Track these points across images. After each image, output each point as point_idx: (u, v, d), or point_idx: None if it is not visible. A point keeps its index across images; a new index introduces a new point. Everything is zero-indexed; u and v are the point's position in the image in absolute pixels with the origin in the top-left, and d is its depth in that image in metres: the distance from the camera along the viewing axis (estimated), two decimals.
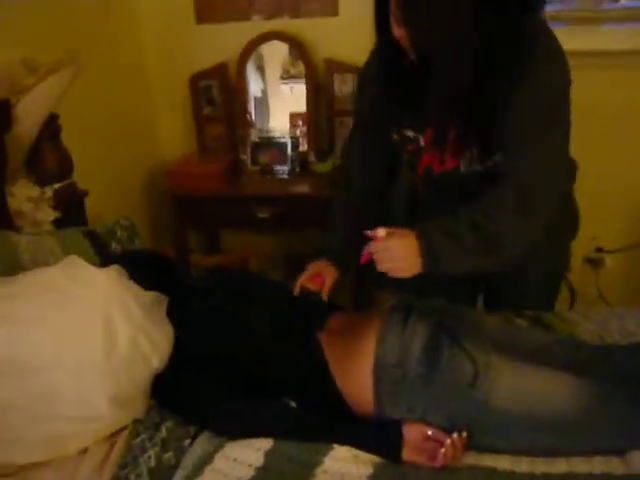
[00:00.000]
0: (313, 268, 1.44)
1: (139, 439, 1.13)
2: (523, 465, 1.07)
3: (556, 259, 1.51)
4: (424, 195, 1.45)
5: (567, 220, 1.44)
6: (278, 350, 1.26)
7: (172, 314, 1.31)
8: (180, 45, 2.45)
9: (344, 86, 2.36)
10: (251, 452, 1.07)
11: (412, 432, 1.10)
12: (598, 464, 1.06)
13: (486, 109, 1.14)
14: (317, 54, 2.34)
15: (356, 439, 1.10)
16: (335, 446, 1.09)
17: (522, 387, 1.12)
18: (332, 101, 2.39)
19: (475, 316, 1.34)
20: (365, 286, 2.42)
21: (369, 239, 1.17)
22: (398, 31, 1.10)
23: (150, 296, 1.26)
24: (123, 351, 1.09)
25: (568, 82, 1.14)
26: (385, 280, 1.20)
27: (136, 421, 1.15)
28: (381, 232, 1.15)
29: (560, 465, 1.07)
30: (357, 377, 1.18)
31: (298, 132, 2.47)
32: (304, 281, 1.42)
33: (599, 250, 2.44)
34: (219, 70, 2.41)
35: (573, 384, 1.13)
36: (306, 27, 2.33)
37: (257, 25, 2.35)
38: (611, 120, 2.16)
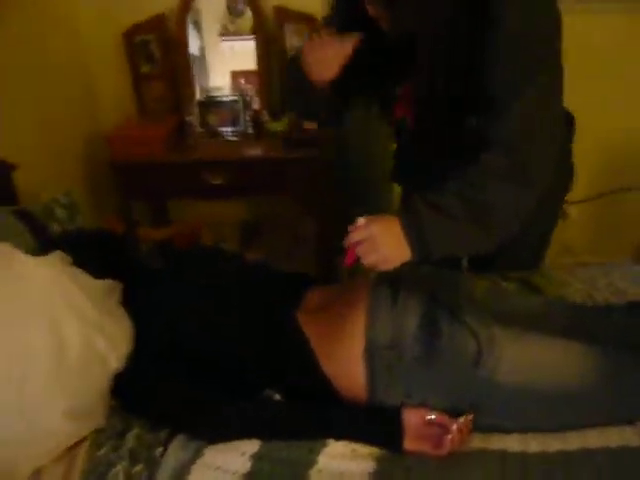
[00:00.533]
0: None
1: (102, 451, 0.97)
2: (533, 444, 0.98)
3: (550, 218, 1.41)
4: (403, 151, 1.32)
5: (564, 177, 1.34)
6: (252, 335, 1.12)
7: (127, 302, 1.14)
8: None
9: (296, 38, 2.17)
10: (235, 457, 0.94)
11: (412, 418, 0.99)
12: (613, 436, 0.99)
13: (461, 54, 0.99)
14: (266, 1, 2.13)
15: (351, 430, 0.99)
16: (329, 442, 0.97)
17: (528, 360, 1.03)
18: (284, 55, 2.19)
19: (467, 282, 1.23)
20: (328, 251, 2.30)
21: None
22: (374, 10, 0.96)
23: (101, 285, 1.09)
24: (75, 355, 0.92)
25: (557, 22, 0.98)
26: None
27: (97, 430, 1.00)
28: (361, 220, 1.02)
29: (573, 441, 0.99)
30: (346, 362, 1.05)
31: (249, 90, 2.27)
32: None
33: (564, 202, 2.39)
34: (156, 23, 2.16)
35: (580, 352, 1.05)
36: None
37: None
38: (580, 68, 2.08)
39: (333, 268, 2.32)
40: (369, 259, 1.00)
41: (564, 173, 1.34)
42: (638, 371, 1.04)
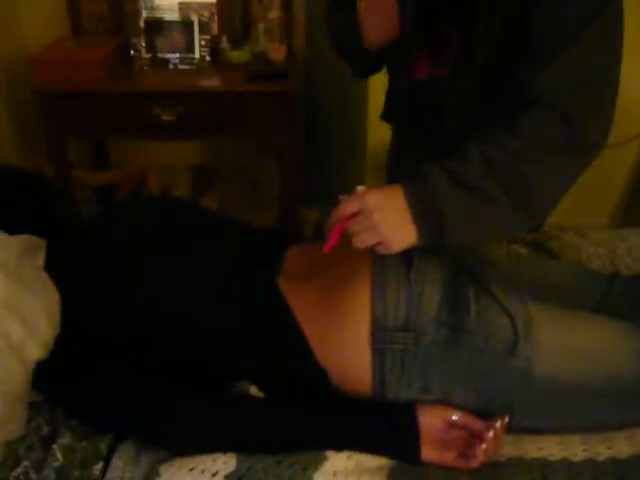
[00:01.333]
0: None
1: (19, 470, 0.71)
2: (577, 450, 0.80)
3: None
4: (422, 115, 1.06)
5: None
6: (222, 309, 0.86)
7: (52, 266, 0.86)
8: None
9: None
10: (205, 479, 0.70)
11: (431, 419, 0.78)
12: None
13: None
14: None
15: (354, 437, 0.77)
16: (328, 454, 0.74)
17: (571, 346, 0.83)
18: None
19: (489, 247, 1.02)
20: (294, 201, 2.05)
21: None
22: None
23: (17, 244, 0.80)
24: None
25: None
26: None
27: (12, 441, 0.73)
28: (359, 189, 0.77)
29: (621, 444, 0.81)
30: (346, 347, 0.82)
31: (204, 12, 1.93)
32: None
33: None
34: None
35: (624, 333, 0.86)
36: None
37: None
38: None
39: (298, 221, 2.08)
40: (363, 239, 0.75)
41: None
42: None
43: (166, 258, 0.90)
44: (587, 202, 2.52)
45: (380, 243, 0.75)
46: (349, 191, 0.79)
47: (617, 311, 0.94)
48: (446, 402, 0.80)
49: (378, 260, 0.87)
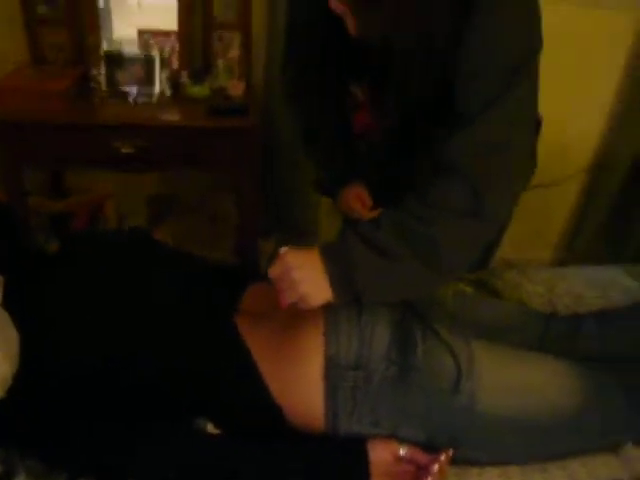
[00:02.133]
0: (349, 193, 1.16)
1: None
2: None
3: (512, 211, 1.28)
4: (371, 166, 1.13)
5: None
6: (179, 347, 0.89)
7: (9, 302, 0.86)
8: None
9: None
10: None
11: (381, 453, 0.82)
12: (599, 469, 0.88)
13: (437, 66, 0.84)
14: None
15: (308, 473, 0.80)
16: None
17: (512, 382, 0.89)
18: (209, 8, 1.93)
19: None
20: (252, 233, 2.08)
21: None
22: (337, 5, 0.77)
23: None
24: None
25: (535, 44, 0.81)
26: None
27: None
28: (282, 250, 0.83)
29: (557, 474, 0.87)
30: (300, 385, 0.86)
31: (166, 47, 1.97)
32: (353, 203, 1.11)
33: None
34: None
35: (563, 371, 0.94)
36: None
37: None
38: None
39: (255, 255, 2.11)
40: (285, 296, 0.81)
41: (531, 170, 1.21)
42: (620, 388, 0.94)
43: (123, 297, 0.92)
44: (531, 236, 2.65)
45: (300, 300, 0.80)
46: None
47: (555, 349, 1.01)
48: (394, 436, 0.85)
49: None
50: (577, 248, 2.60)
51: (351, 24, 0.78)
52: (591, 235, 2.51)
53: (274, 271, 0.82)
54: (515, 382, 0.89)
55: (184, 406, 0.87)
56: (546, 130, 2.37)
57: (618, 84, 2.19)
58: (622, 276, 1.30)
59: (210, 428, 0.86)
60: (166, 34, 1.98)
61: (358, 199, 1.15)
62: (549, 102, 2.21)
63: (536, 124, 1.14)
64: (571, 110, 2.22)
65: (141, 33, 1.96)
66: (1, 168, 1.77)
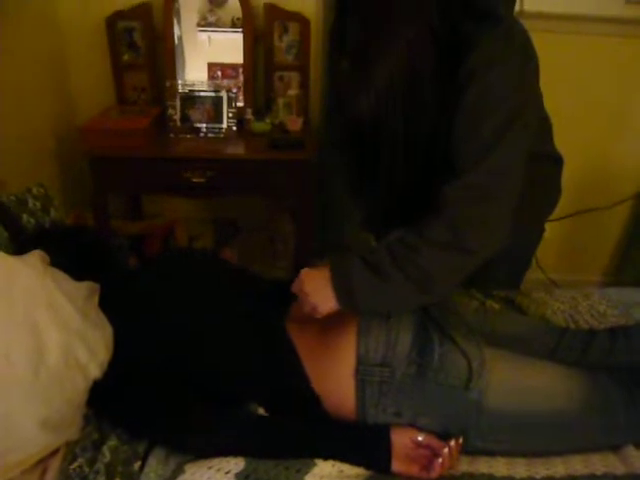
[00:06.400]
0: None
1: (76, 464, 0.92)
2: (521, 469, 0.98)
3: (533, 240, 1.41)
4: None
5: (549, 205, 1.34)
6: (239, 347, 1.08)
7: (104, 305, 1.08)
8: None
9: (285, 36, 2.14)
10: (219, 477, 0.90)
11: (401, 439, 0.97)
12: (597, 464, 0.99)
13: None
14: None
15: (338, 450, 0.97)
16: (317, 462, 0.94)
17: (518, 384, 1.02)
18: (271, 52, 2.16)
19: (458, 302, 1.22)
20: (307, 254, 2.27)
21: None
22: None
23: (83, 288, 1.03)
24: (54, 363, 0.87)
25: (522, 100, 0.91)
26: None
27: (71, 441, 0.94)
28: (303, 270, 1.05)
29: (558, 466, 0.99)
30: (336, 380, 1.03)
31: (232, 86, 2.22)
32: None
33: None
34: (142, 10, 2.09)
35: (566, 376, 1.05)
36: None
37: None
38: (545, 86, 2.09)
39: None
40: (302, 307, 1.02)
41: (549, 202, 1.34)
42: (621, 395, 1.04)
43: (199, 304, 1.12)
44: (581, 259, 2.70)
45: (312, 309, 1.00)
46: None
47: (565, 359, 1.13)
48: (414, 425, 1.00)
49: None
50: (626, 273, 2.63)
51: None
52: None
53: (294, 287, 1.03)
54: (521, 383, 1.02)
55: (244, 393, 1.06)
56: (599, 157, 2.43)
57: None
58: None
59: (261, 411, 1.04)
60: (233, 67, 2.23)
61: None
62: (598, 129, 2.30)
63: (558, 160, 1.27)
64: (616, 136, 2.30)
65: (210, 66, 2.22)
66: (91, 196, 2.04)
